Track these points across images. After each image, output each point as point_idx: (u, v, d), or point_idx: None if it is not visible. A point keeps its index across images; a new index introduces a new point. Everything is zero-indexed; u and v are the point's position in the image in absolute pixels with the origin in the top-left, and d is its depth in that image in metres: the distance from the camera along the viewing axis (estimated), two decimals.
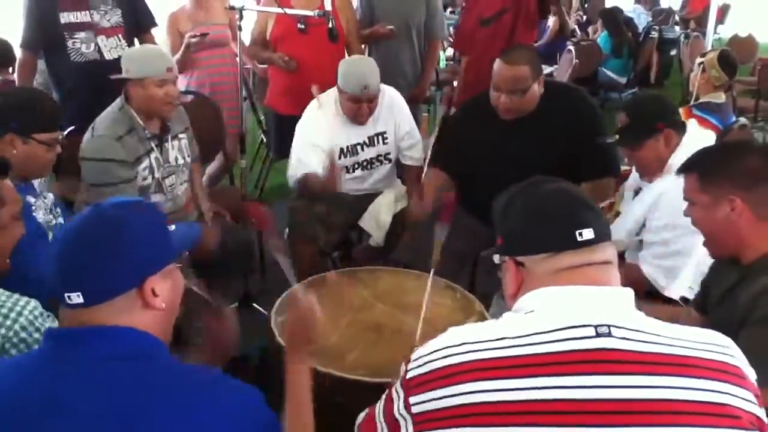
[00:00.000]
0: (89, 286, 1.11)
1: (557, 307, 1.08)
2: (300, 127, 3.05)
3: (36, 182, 2.24)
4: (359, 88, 2.83)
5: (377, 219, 3.10)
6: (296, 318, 1.49)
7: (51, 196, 2.26)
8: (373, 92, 2.87)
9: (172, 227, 1.27)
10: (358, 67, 2.92)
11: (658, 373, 1.00)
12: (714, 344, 1.07)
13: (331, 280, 2.45)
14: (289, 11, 3.17)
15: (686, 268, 2.16)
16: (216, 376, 1.16)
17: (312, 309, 1.50)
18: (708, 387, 1.01)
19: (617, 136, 2.33)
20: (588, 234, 1.11)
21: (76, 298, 1.10)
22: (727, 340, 1.10)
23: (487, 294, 2.54)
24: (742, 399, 1.02)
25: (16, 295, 1.52)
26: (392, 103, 3.09)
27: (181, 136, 2.84)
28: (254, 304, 3.16)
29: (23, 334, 1.49)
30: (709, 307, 1.78)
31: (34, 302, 1.52)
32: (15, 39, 3.45)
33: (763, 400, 1.08)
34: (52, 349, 1.13)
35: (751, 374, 1.08)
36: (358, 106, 2.89)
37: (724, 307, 1.68)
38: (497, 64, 2.66)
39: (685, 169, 1.73)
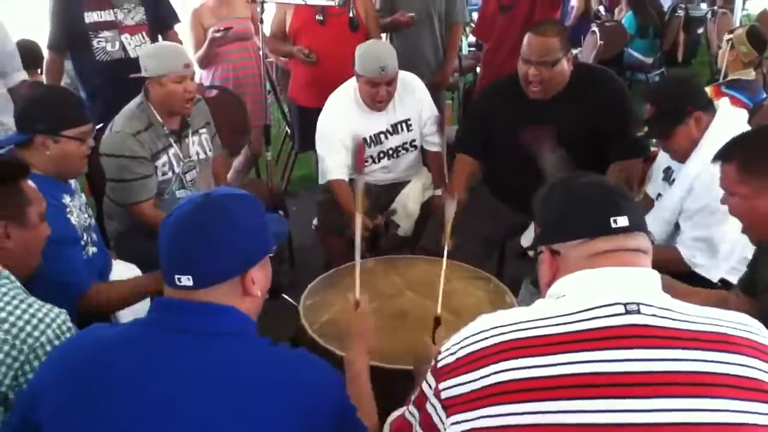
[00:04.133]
0: (200, 270, 1.18)
1: (587, 289, 1.10)
2: (320, 124, 3.05)
3: (72, 181, 2.23)
4: (377, 70, 2.82)
5: (406, 209, 3.10)
6: (352, 313, 1.69)
7: (83, 195, 2.28)
8: (390, 74, 2.86)
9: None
10: (374, 49, 2.91)
11: (686, 347, 1.02)
12: (740, 323, 1.08)
13: (367, 267, 2.45)
14: (309, 2, 3.18)
15: (724, 251, 2.13)
16: (302, 355, 1.24)
17: (366, 304, 1.72)
18: (736, 361, 1.02)
19: (646, 129, 2.28)
20: (623, 221, 1.13)
21: (186, 280, 1.17)
22: (753, 321, 1.11)
23: (515, 280, 2.53)
24: None
25: (48, 305, 1.49)
26: (413, 89, 3.08)
27: (201, 131, 2.87)
28: (283, 295, 3.18)
29: (48, 347, 1.43)
30: (758, 295, 1.75)
31: (64, 315, 1.49)
32: (42, 40, 3.51)
33: None
34: (161, 317, 1.20)
35: None
36: (377, 90, 2.88)
37: None
38: (527, 37, 2.65)
39: (722, 158, 1.69)
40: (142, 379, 1.13)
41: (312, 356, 1.25)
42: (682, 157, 2.26)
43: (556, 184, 1.24)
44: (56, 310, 1.49)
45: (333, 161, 2.97)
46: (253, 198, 1.31)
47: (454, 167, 3.01)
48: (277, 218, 1.46)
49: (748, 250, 1.89)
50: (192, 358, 1.14)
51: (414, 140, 3.12)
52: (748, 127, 2.16)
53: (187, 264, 1.18)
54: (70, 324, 1.50)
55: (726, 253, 2.14)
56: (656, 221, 2.32)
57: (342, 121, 2.99)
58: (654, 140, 2.74)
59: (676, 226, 2.29)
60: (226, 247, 1.19)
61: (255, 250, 1.25)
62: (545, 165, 2.11)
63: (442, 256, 1.96)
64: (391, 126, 3.06)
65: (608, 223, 1.13)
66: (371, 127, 3.03)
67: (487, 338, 1.07)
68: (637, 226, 1.15)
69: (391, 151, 3.10)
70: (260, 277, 1.25)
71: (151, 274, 2.07)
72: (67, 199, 2.10)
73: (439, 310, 1.86)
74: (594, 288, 1.10)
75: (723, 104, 2.29)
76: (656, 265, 1.16)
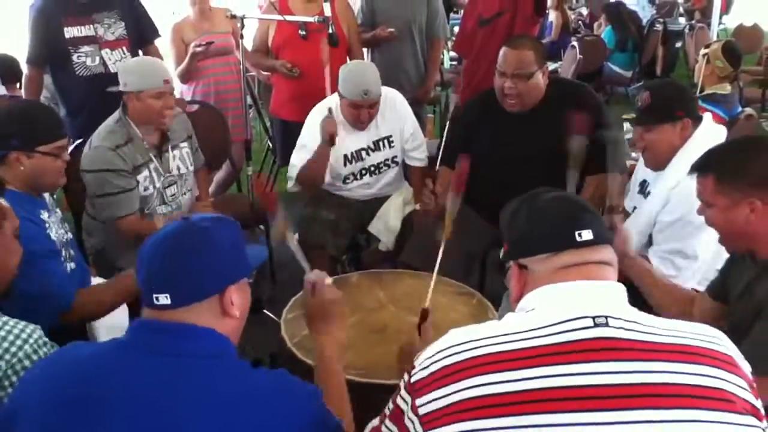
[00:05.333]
0: (178, 288, 1.19)
1: (555, 303, 1.12)
2: (301, 138, 3.06)
3: (47, 197, 2.20)
4: (360, 94, 2.82)
5: (387, 224, 3.10)
6: (311, 296, 1.60)
7: (59, 210, 2.26)
8: (373, 97, 2.86)
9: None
10: (358, 72, 2.91)
11: (654, 359, 1.03)
12: (705, 334, 1.11)
13: (352, 281, 2.45)
14: (289, 18, 3.19)
15: (696, 264, 2.16)
16: (282, 376, 1.23)
17: (323, 284, 1.60)
18: (702, 372, 1.03)
19: (634, 115, 2.31)
20: (587, 235, 1.15)
21: (164, 299, 1.19)
22: (717, 332, 1.13)
23: (496, 293, 2.54)
24: (735, 385, 1.05)
25: (22, 322, 1.48)
26: (395, 105, 3.08)
27: (182, 145, 2.86)
28: (265, 310, 3.17)
29: (26, 362, 1.43)
30: (730, 304, 1.77)
31: (39, 331, 1.49)
32: (21, 55, 3.49)
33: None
34: (140, 338, 1.20)
35: (744, 364, 1.10)
36: (358, 112, 2.89)
37: (742, 303, 1.68)
38: (502, 50, 2.68)
39: (699, 169, 1.70)
40: (122, 400, 1.12)
41: (291, 377, 1.24)
42: (656, 164, 2.28)
43: (522, 201, 1.26)
44: (31, 326, 1.48)
45: (302, 163, 2.98)
46: (231, 221, 1.33)
47: (437, 180, 3.02)
48: (257, 247, 1.49)
49: (721, 262, 1.91)
50: (172, 381, 1.14)
51: (395, 156, 3.13)
52: None
53: (165, 283, 1.19)
54: (45, 339, 1.49)
55: (699, 265, 2.15)
56: (630, 230, 2.34)
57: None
58: (633, 155, 2.78)
59: (650, 238, 2.31)
60: (204, 266, 1.21)
61: (233, 269, 1.26)
62: (572, 148, 2.14)
63: (423, 270, 1.96)
64: (373, 143, 3.06)
65: (573, 237, 1.15)
66: (352, 143, 3.02)
67: (459, 353, 1.08)
68: (602, 238, 1.17)
69: (372, 168, 3.10)
70: (238, 299, 1.26)
71: (128, 272, 2.04)
72: (44, 215, 2.08)
73: (427, 303, 1.85)
74: (562, 301, 1.11)
75: (705, 119, 2.33)
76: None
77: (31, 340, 1.45)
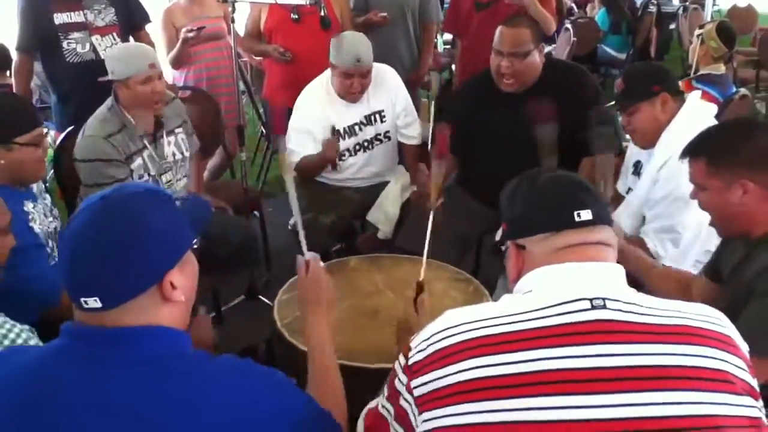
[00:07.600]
0: (107, 290, 1.03)
1: (553, 285, 1.11)
2: (294, 114, 3.05)
3: (34, 185, 2.17)
4: (352, 62, 2.83)
5: (385, 212, 3.08)
6: (302, 277, 1.50)
7: (48, 197, 2.22)
8: (365, 66, 2.86)
9: (177, 203, 1.17)
10: (350, 41, 2.91)
11: (653, 341, 1.03)
12: (704, 314, 1.10)
13: (350, 265, 2.44)
14: (281, 1, 3.16)
15: (686, 240, 2.16)
16: (243, 365, 1.12)
17: (317, 265, 1.50)
18: (702, 353, 1.03)
19: (613, 102, 2.33)
20: (586, 215, 1.14)
21: (93, 303, 1.03)
22: (716, 312, 1.12)
23: (491, 277, 2.54)
24: (734, 366, 1.04)
25: (11, 322, 1.44)
26: (387, 80, 3.09)
27: (177, 130, 2.83)
28: (260, 297, 3.17)
29: None
30: (723, 281, 1.77)
31: (26, 333, 1.43)
32: (11, 42, 3.46)
33: (763, 371, 1.09)
34: (73, 344, 1.07)
35: (743, 344, 1.10)
36: (351, 82, 2.89)
37: (732, 282, 1.68)
38: (499, 29, 2.68)
39: (690, 153, 1.70)
40: (67, 409, 1.01)
41: (261, 368, 1.13)
42: (645, 142, 2.28)
43: (521, 180, 1.25)
44: (18, 327, 1.45)
45: (302, 149, 2.98)
46: (159, 190, 1.17)
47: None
48: (196, 201, 1.32)
49: (711, 243, 1.91)
50: (120, 390, 1.01)
51: (388, 131, 3.12)
52: (715, 122, 2.19)
53: (92, 285, 1.03)
54: (32, 343, 1.45)
55: (688, 242, 2.15)
56: (625, 214, 2.35)
57: (315, 116, 2.98)
58: (627, 137, 2.77)
59: (644, 220, 2.31)
60: (134, 259, 1.04)
61: (170, 252, 1.09)
62: (540, 137, 2.13)
63: (418, 255, 1.95)
64: (365, 117, 3.06)
65: (572, 217, 1.14)
66: (345, 118, 3.02)
67: (454, 335, 1.07)
68: (601, 219, 1.16)
69: (366, 143, 3.10)
70: (182, 279, 1.10)
71: None
72: (29, 206, 2.05)
73: (422, 276, 1.83)
74: (559, 283, 1.10)
75: (692, 95, 2.32)
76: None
77: (6, 341, 1.40)
